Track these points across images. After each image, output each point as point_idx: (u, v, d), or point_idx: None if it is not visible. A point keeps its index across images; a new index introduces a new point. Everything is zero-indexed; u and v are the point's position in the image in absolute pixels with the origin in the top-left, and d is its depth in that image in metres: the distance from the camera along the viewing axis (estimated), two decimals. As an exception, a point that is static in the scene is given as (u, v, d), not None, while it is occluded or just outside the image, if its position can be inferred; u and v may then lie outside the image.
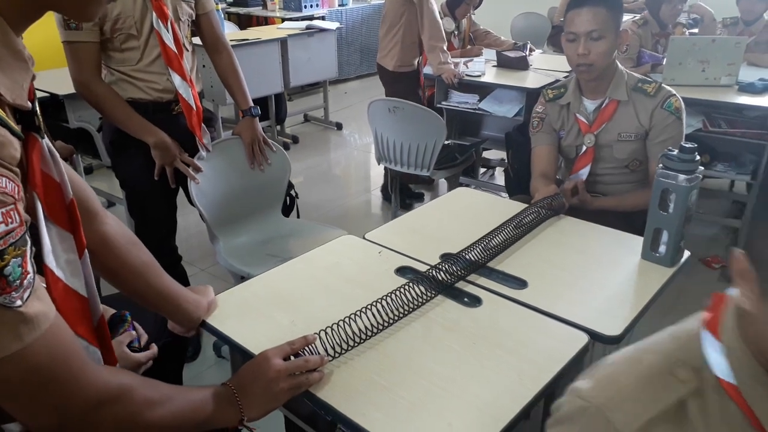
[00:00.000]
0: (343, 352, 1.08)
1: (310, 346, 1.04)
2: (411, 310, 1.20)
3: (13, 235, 0.62)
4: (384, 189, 3.80)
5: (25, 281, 0.64)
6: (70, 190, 0.80)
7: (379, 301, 1.17)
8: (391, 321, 1.16)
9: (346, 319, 1.12)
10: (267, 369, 0.97)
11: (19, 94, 0.67)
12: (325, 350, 1.07)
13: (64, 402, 0.73)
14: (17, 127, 0.66)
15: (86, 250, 0.85)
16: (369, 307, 1.15)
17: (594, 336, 1.15)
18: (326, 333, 1.08)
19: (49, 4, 0.71)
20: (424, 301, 1.23)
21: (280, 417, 1.32)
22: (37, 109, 0.73)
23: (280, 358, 0.99)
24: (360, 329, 1.12)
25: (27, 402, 0.70)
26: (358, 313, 1.14)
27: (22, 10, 0.68)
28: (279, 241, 2.20)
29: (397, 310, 1.18)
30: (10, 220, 0.62)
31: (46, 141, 0.75)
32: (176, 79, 1.95)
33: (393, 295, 1.19)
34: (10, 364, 0.65)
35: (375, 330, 1.13)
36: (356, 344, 1.10)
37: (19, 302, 0.63)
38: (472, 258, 1.38)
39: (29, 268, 0.65)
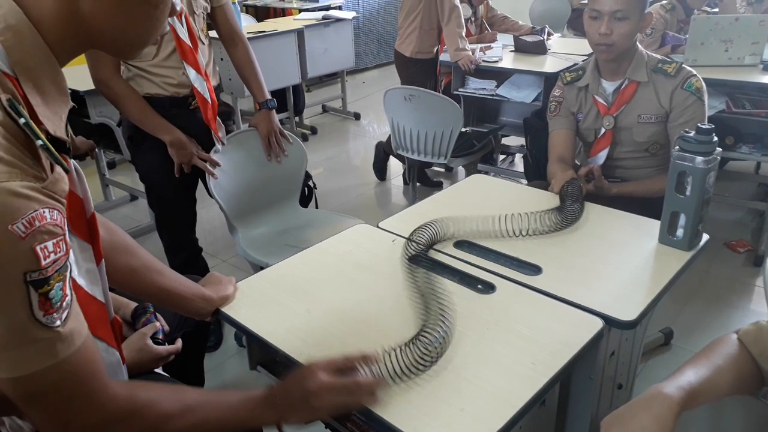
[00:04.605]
0: (405, 376, 1.00)
1: (367, 366, 0.96)
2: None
3: (59, 262, 0.69)
4: (405, 176, 3.80)
5: (65, 303, 0.70)
6: (91, 205, 0.86)
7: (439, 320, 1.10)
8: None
9: (410, 344, 1.03)
10: (310, 381, 0.91)
11: (59, 125, 0.73)
12: (387, 372, 0.98)
13: (79, 419, 0.76)
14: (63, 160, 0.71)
15: (103, 259, 0.89)
16: (430, 329, 1.07)
17: (609, 321, 1.14)
18: (389, 354, 0.99)
19: (96, 44, 0.76)
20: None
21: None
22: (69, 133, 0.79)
23: (327, 372, 0.92)
24: (422, 353, 1.02)
25: (45, 413, 0.74)
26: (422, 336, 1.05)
27: (72, 48, 0.75)
28: (296, 231, 2.22)
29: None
30: (58, 250, 0.68)
31: (73, 162, 0.81)
32: (191, 72, 1.96)
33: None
34: (40, 377, 0.70)
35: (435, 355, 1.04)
36: (419, 369, 1.01)
37: (58, 322, 0.69)
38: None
39: (68, 290, 0.71)
